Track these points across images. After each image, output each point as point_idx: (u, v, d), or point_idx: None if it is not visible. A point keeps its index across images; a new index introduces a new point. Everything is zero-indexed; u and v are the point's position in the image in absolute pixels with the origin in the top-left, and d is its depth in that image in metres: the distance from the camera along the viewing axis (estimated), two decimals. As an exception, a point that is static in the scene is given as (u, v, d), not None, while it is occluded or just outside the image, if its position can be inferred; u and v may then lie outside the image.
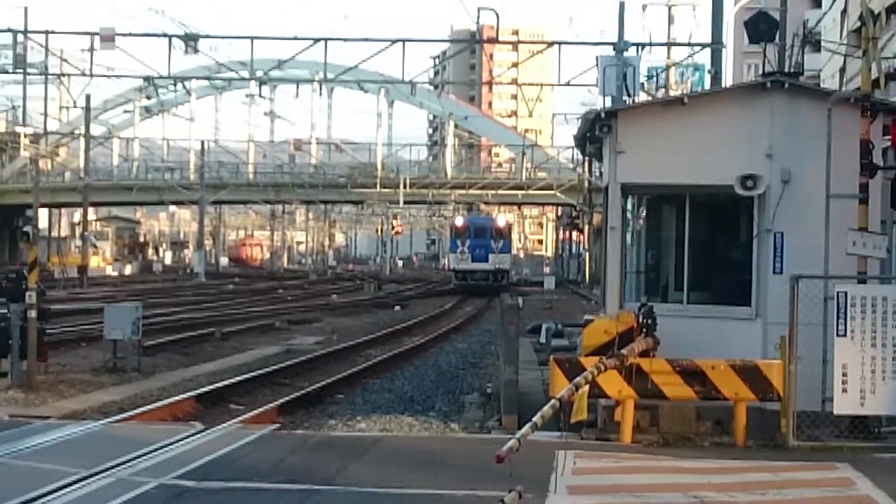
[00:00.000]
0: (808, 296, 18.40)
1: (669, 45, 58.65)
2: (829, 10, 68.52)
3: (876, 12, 21.70)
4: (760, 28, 28.54)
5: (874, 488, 14.87)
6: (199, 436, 19.03)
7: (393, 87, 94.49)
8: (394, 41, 51.06)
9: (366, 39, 52.77)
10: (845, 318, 18.11)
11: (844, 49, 60.64)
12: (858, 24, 37.38)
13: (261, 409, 23.49)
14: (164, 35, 53.79)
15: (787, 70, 25.08)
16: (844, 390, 18.07)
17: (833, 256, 19.13)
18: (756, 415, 18.29)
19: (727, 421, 18.47)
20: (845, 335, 18.09)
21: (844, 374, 18.06)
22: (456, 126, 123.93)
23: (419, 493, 14.55)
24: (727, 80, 46.63)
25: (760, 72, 25.13)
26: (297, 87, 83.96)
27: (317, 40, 51.17)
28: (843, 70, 59.12)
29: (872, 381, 18.06)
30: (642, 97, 45.71)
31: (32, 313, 25.53)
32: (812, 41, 47.36)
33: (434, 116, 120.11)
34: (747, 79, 67.47)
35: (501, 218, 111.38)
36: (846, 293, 18.23)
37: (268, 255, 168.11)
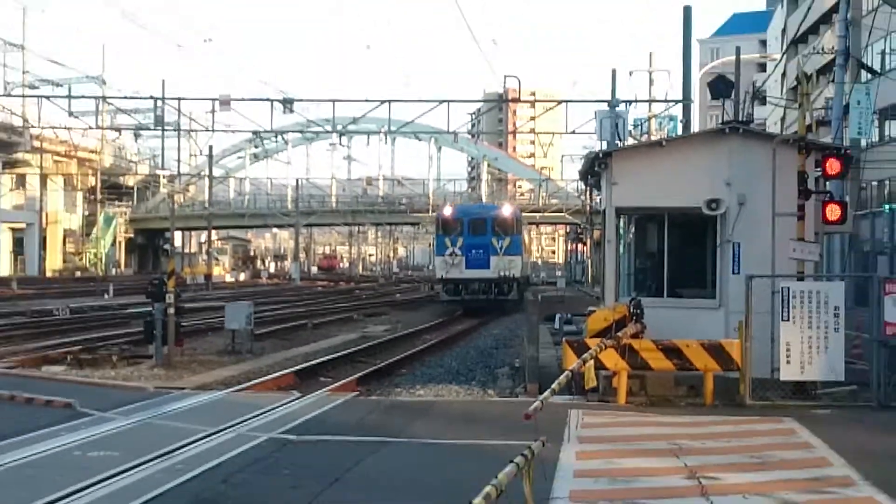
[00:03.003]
0: (759, 291, 18.48)
1: (650, 101, 58.45)
2: (772, 73, 68.40)
3: (808, 74, 21.62)
4: (720, 88, 28.42)
5: (812, 436, 14.86)
6: (297, 401, 19.04)
7: (440, 136, 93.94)
8: (440, 102, 51.08)
9: (420, 101, 52.87)
10: (788, 307, 18.10)
11: (784, 102, 60.41)
12: (795, 83, 37.21)
13: (344, 381, 23.49)
14: (268, 100, 53.88)
15: (740, 119, 24.88)
16: (788, 362, 18.07)
17: (778, 260, 19.28)
18: (720, 381, 18.25)
19: (699, 386, 18.47)
20: (788, 320, 18.10)
21: (788, 350, 18.06)
22: (488, 165, 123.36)
23: (464, 443, 14.59)
24: (695, 128, 46.55)
25: (720, 121, 25.08)
26: (368, 138, 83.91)
27: (382, 102, 51.20)
28: (783, 118, 59.07)
29: (810, 355, 18.06)
30: (630, 141, 45.66)
31: (171, 310, 25.66)
32: (759, 97, 47.12)
33: (472, 158, 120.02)
34: (710, 126, 67.18)
35: (507, 206, 61.03)
36: (789, 288, 18.23)
37: (347, 265, 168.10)
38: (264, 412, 17.53)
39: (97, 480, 11.98)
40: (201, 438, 14.86)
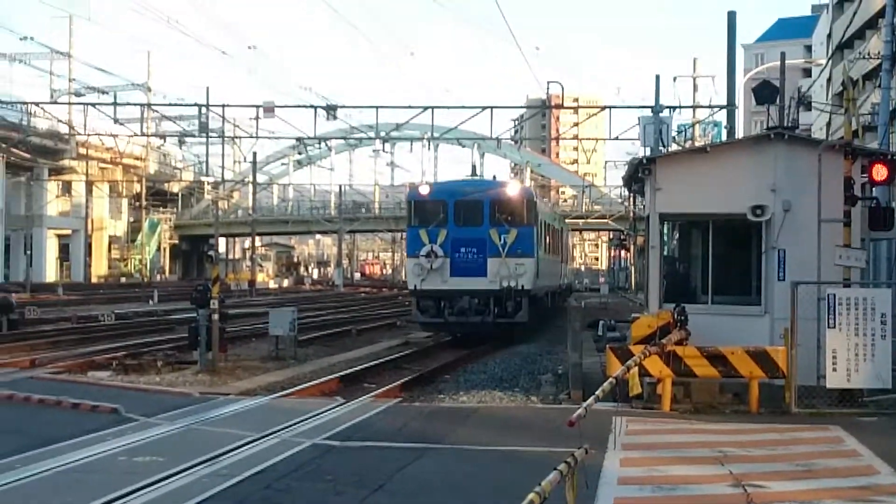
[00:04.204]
0: (805, 297, 18.36)
1: (694, 107, 58.21)
2: (818, 78, 67.83)
3: (854, 79, 21.52)
4: (765, 93, 28.33)
5: (859, 444, 14.77)
6: (341, 407, 19.11)
7: (483, 143, 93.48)
8: (483, 108, 51.01)
9: (462, 107, 52.65)
10: (834, 314, 17.99)
11: (830, 108, 59.94)
12: (841, 88, 36.95)
13: (387, 387, 23.51)
14: (311, 106, 54.11)
15: (785, 125, 24.84)
16: (835, 369, 17.96)
17: (824, 267, 19.07)
18: (766, 389, 18.17)
19: (743, 393, 18.39)
20: (834, 327, 17.99)
21: (834, 357, 17.95)
22: (532, 171, 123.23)
23: (508, 450, 14.58)
24: (739, 134, 46.26)
25: (765, 127, 25.00)
26: (412, 144, 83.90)
27: (425, 108, 51.20)
28: (829, 124, 58.65)
29: (856, 362, 17.95)
30: (674, 147, 45.44)
31: (215, 316, 25.79)
32: (804, 102, 46.79)
33: (515, 164, 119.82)
34: (755, 132, 66.84)
35: (515, 184, 43.51)
36: (834, 295, 18.12)
37: (389, 271, 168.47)
38: (308, 418, 17.60)
39: (143, 485, 12.06)
40: (245, 444, 14.94)
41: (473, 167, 43.45)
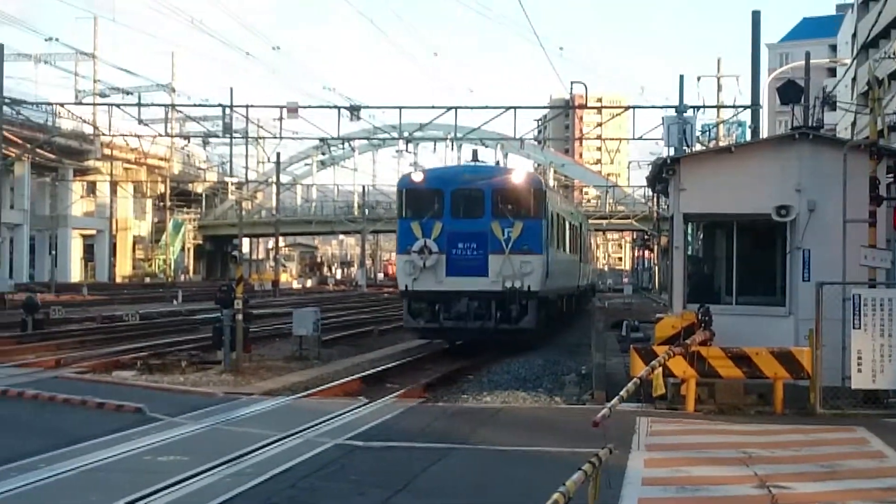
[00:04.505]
0: (830, 298, 18.30)
1: (719, 107, 58.19)
2: (843, 78, 67.62)
3: (880, 78, 21.45)
4: (789, 93, 28.20)
5: (884, 445, 14.71)
6: (364, 407, 19.15)
7: (507, 143, 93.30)
8: (507, 108, 51.18)
9: (485, 107, 52.56)
10: (859, 315, 17.94)
11: (855, 108, 59.78)
12: (866, 88, 36.84)
13: (410, 387, 23.52)
14: (335, 107, 54.27)
15: (810, 125, 24.71)
16: (860, 370, 17.90)
17: (849, 267, 19.03)
18: (790, 389, 18.12)
19: (768, 394, 18.34)
20: (860, 328, 17.94)
21: (859, 358, 17.90)
22: (555, 172, 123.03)
23: (531, 450, 14.57)
24: (764, 134, 46.19)
25: (790, 126, 24.90)
26: (435, 144, 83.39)
27: (448, 108, 51.37)
28: (853, 124, 58.57)
29: (881, 363, 17.89)
30: (698, 147, 45.35)
31: (239, 316, 25.86)
32: (829, 102, 46.66)
33: (538, 164, 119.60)
34: (780, 132, 66.65)
35: (520, 171, 35.31)
36: (860, 295, 18.06)
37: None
38: (331, 418, 17.64)
39: (167, 485, 12.10)
40: (269, 444, 14.98)
41: (474, 152, 38.01)
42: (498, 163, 42.30)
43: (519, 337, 30.87)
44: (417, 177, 33.10)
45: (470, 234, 30.43)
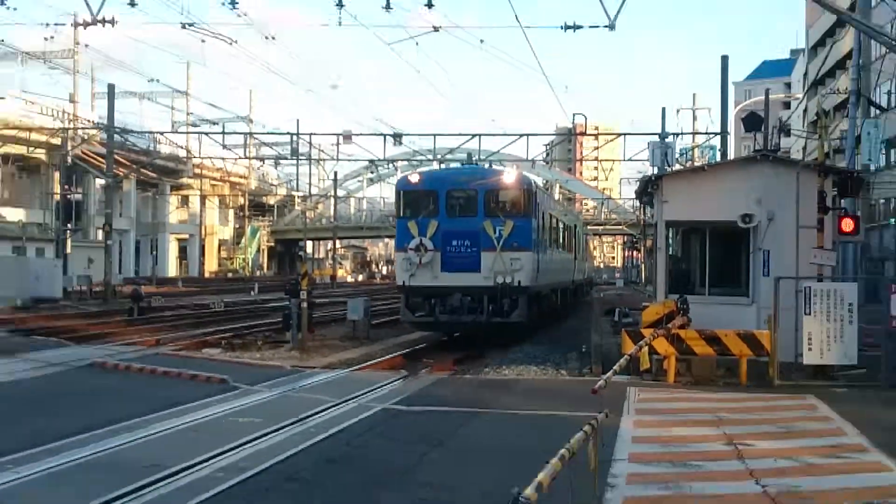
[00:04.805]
0: (785, 290, 18.29)
1: (694, 133, 58.25)
2: (796, 110, 67.35)
3: (826, 110, 21.44)
4: (752, 122, 28.13)
5: (830, 411, 14.66)
6: (405, 379, 19.19)
7: (521, 164, 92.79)
8: (521, 135, 51.46)
9: (504, 134, 53.27)
10: (810, 304, 17.88)
11: (806, 134, 59.50)
12: (815, 118, 36.68)
13: (443, 363, 23.56)
14: (381, 134, 54.46)
15: (769, 148, 24.59)
16: (810, 349, 17.85)
17: (801, 265, 19.00)
18: (753, 365, 18.06)
19: (735, 368, 18.29)
20: (810, 314, 17.89)
21: (810, 339, 17.85)
22: (560, 187, 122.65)
23: (542, 413, 14.57)
24: (731, 156, 45.93)
25: (753, 150, 24.80)
26: (462, 165, 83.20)
27: (474, 135, 51.39)
28: (805, 147, 58.19)
29: (828, 343, 17.84)
30: (677, 167, 45.19)
31: (304, 304, 25.94)
32: (785, 130, 46.39)
33: (546, 181, 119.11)
34: (744, 154, 66.38)
35: (511, 172, 30.56)
36: (810, 288, 18.02)
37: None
38: (379, 387, 17.69)
39: (245, 441, 12.18)
40: (329, 408, 15.04)
41: (469, 155, 34.66)
42: (490, 165, 37.93)
43: (510, 329, 27.36)
44: (414, 178, 29.32)
45: (463, 233, 27.17)
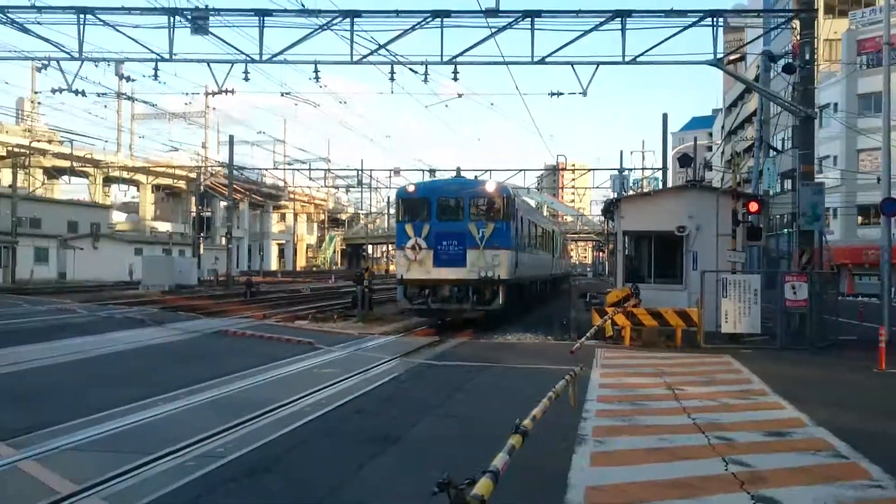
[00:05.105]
0: (709, 280, 18.12)
1: (643, 168, 58.07)
2: (716, 152, 66.72)
3: (738, 152, 21.31)
4: (685, 160, 27.87)
5: (741, 365, 14.55)
6: (438, 344, 19.17)
7: (519, 189, 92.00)
8: (519, 170, 51.18)
9: (508, 169, 53.21)
10: (726, 289, 17.74)
11: (723, 169, 59.03)
12: (730, 157, 36.50)
13: (464, 332, 23.51)
14: (421, 169, 54.43)
15: (697, 179, 24.49)
16: (726, 321, 17.74)
17: (720, 262, 18.81)
18: (686, 333, 17.94)
19: (672, 335, 18.15)
20: (727, 297, 17.73)
21: (726, 314, 17.72)
22: (547, 207, 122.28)
23: (535, 367, 14.45)
24: (670, 184, 45.73)
25: (685, 180, 24.62)
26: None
27: (486, 171, 51.53)
28: (722, 178, 57.54)
29: (740, 317, 17.72)
30: (631, 192, 45.04)
31: (366, 289, 25.97)
32: (708, 166, 46.09)
33: (537, 203, 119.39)
34: (679, 184, 65.97)
35: (493, 183, 25.55)
36: (726, 278, 17.88)
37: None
38: (419, 349, 17.68)
39: (325, 385, 12.22)
40: (383, 362, 15.05)
41: (458, 169, 31.28)
42: (476, 178, 34.10)
43: (491, 315, 24.33)
44: (411, 188, 25.69)
45: (452, 234, 24.18)
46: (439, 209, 24.54)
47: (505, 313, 24.61)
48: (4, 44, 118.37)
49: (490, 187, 24.89)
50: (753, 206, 18.84)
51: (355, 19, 20.78)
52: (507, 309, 24.47)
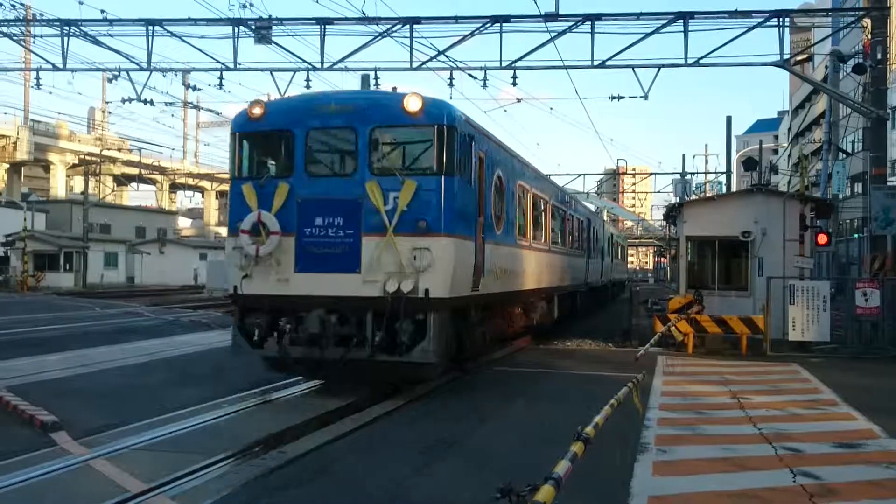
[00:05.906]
0: (775, 286, 17.78)
1: (706, 172, 57.22)
2: (782, 155, 65.34)
3: (805, 155, 20.85)
4: (749, 164, 27.32)
5: (809, 374, 14.20)
6: (499, 350, 19.17)
7: (580, 195, 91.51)
8: (579, 174, 51.29)
9: (567, 174, 52.80)
10: (793, 296, 17.36)
11: (790, 172, 57.74)
12: (797, 160, 35.64)
13: (526, 339, 23.40)
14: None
15: (763, 183, 23.98)
16: (794, 329, 17.34)
17: (787, 268, 18.43)
18: (751, 341, 17.63)
19: (737, 343, 17.82)
20: (794, 304, 17.35)
21: (794, 322, 17.33)
22: (607, 212, 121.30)
23: (596, 374, 14.37)
24: (734, 189, 44.90)
25: (750, 184, 24.13)
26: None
27: (548, 175, 51.16)
28: (789, 182, 56.23)
29: (808, 325, 17.30)
30: (694, 197, 44.37)
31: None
32: (774, 169, 45.19)
33: (597, 207, 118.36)
34: (744, 188, 64.80)
35: (416, 97, 8.93)
36: (794, 285, 17.50)
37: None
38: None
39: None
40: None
41: (364, 77, 15.54)
42: (395, 89, 11.68)
43: (407, 371, 11.27)
44: (257, 111, 11.52)
45: (333, 203, 10.90)
46: (309, 153, 11.37)
47: (438, 369, 11.77)
48: (78, 56, 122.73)
49: (412, 103, 10.81)
50: (822, 211, 18.41)
51: (415, 26, 20.97)
52: (444, 361, 11.72)
